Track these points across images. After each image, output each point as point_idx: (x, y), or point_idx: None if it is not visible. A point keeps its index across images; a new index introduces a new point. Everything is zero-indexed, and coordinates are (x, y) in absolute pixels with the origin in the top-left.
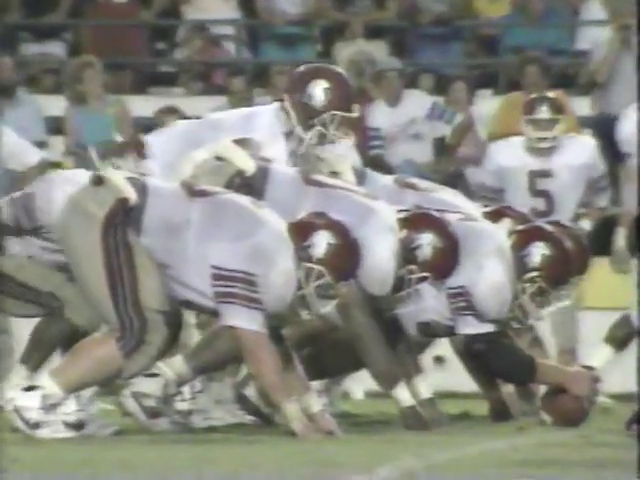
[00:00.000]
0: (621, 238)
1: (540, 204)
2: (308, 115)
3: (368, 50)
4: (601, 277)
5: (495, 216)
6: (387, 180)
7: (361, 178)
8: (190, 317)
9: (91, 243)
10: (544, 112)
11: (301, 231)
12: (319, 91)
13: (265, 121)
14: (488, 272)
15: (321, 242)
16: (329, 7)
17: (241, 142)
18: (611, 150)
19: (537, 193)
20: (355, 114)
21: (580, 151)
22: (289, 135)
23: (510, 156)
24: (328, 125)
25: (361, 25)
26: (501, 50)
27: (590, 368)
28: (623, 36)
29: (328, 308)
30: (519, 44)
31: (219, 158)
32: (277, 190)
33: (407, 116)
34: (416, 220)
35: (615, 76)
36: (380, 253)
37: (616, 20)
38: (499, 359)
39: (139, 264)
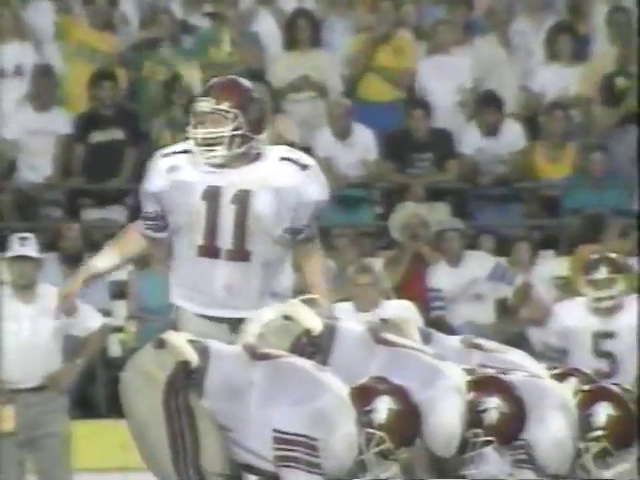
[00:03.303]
0: None
1: (604, 365)
2: None
3: (422, 213)
4: None
5: (561, 377)
6: (453, 340)
7: (427, 339)
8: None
9: (152, 406)
10: (602, 272)
11: (362, 396)
12: None
13: None
14: (551, 427)
15: (382, 407)
16: (389, 170)
17: (309, 301)
18: None
19: (600, 354)
20: (196, 107)
21: None
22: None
23: (574, 316)
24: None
25: (421, 187)
26: (562, 211)
27: None
28: None
29: (388, 473)
30: (580, 205)
31: (287, 317)
32: (345, 348)
33: (468, 277)
34: (484, 383)
35: None
36: (447, 414)
37: None
38: None
39: (201, 427)
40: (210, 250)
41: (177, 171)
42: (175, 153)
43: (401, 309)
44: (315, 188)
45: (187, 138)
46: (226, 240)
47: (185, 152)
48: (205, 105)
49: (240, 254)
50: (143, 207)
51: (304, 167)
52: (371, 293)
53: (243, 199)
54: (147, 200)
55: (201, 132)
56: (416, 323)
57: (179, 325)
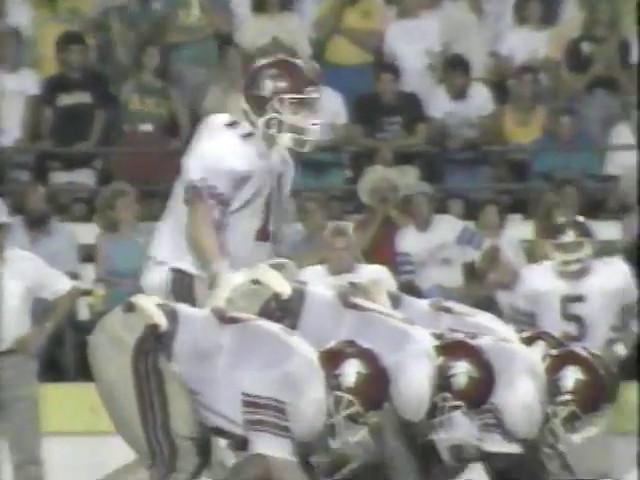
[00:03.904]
0: None
1: (572, 329)
2: (259, 105)
3: (391, 176)
4: (632, 402)
5: (530, 341)
6: (422, 304)
7: (396, 302)
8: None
9: (121, 369)
10: (569, 235)
11: (331, 359)
12: (267, 79)
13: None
14: (519, 391)
15: (351, 371)
16: (358, 134)
17: (278, 265)
18: None
19: (569, 317)
20: (306, 95)
21: (613, 275)
22: (250, 135)
23: (542, 280)
24: (279, 110)
25: (390, 151)
26: (531, 175)
27: None
28: None
29: (357, 437)
30: (549, 169)
31: (255, 281)
32: (314, 313)
33: (437, 241)
34: (453, 347)
35: None
36: (416, 379)
37: None
38: None
39: (170, 391)
40: (265, 233)
41: (265, 158)
42: (249, 135)
43: (376, 273)
44: None
45: (274, 121)
46: (272, 223)
47: (251, 134)
48: (317, 94)
49: (275, 237)
50: (219, 188)
51: None
52: (346, 256)
53: (280, 181)
54: (229, 182)
55: (312, 121)
56: (390, 287)
57: (194, 294)
